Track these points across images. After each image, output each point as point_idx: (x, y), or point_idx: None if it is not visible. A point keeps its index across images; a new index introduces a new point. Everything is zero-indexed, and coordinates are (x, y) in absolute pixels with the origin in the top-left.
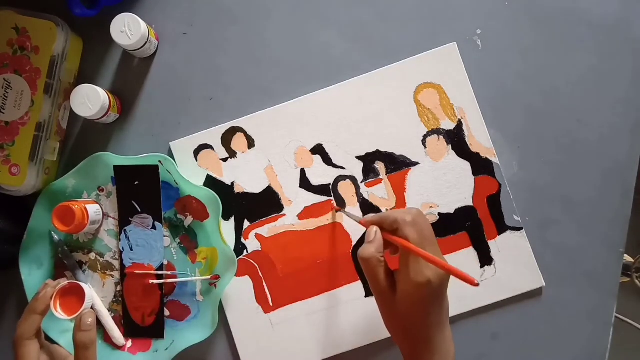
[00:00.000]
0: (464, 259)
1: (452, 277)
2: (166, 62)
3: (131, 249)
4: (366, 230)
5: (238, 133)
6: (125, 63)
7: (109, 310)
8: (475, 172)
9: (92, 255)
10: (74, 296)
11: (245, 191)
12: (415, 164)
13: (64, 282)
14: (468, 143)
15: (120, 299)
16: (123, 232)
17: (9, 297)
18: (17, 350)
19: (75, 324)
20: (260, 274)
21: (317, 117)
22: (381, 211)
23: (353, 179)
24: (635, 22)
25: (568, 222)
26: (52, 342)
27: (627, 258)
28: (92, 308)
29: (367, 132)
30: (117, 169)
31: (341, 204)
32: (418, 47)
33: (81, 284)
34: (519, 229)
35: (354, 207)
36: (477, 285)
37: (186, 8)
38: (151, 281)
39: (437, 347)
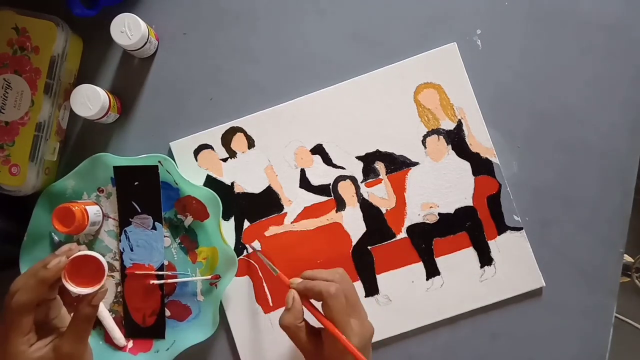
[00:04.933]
0: (464, 259)
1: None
2: (166, 62)
3: (131, 250)
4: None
5: (238, 133)
6: (125, 63)
7: (109, 311)
8: (475, 172)
9: None
10: (83, 268)
11: (245, 191)
12: (415, 164)
13: (76, 250)
14: (468, 143)
15: (121, 299)
16: (123, 233)
17: None
18: (14, 318)
19: (87, 297)
20: (261, 274)
21: (317, 117)
22: (381, 212)
23: (353, 179)
24: (636, 23)
25: (568, 222)
26: None
27: (627, 258)
28: None
29: (367, 132)
30: (117, 169)
31: (340, 204)
32: (418, 47)
33: (97, 255)
34: (519, 229)
35: (354, 208)
36: None
37: (186, 8)
38: (152, 281)
39: None
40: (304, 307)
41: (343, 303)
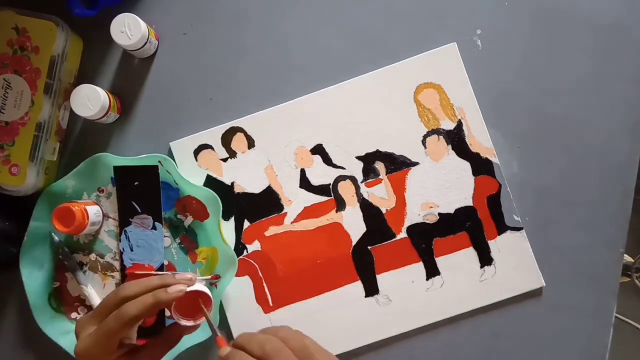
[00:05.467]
0: (464, 259)
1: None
2: (166, 62)
3: (131, 250)
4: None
5: (238, 133)
6: (125, 63)
7: None
8: (475, 172)
9: (93, 256)
10: (188, 298)
11: (245, 191)
12: (415, 164)
13: (196, 283)
14: (468, 143)
15: None
16: (123, 233)
17: (9, 297)
18: (117, 326)
19: (181, 326)
20: (260, 274)
21: (317, 117)
22: (381, 212)
23: (353, 179)
24: (635, 23)
25: (568, 222)
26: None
27: (627, 258)
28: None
29: (367, 132)
30: (117, 169)
31: (340, 204)
32: (418, 47)
33: (209, 293)
34: (519, 229)
35: (354, 208)
36: None
37: (186, 8)
38: None
39: None
40: None
41: None
